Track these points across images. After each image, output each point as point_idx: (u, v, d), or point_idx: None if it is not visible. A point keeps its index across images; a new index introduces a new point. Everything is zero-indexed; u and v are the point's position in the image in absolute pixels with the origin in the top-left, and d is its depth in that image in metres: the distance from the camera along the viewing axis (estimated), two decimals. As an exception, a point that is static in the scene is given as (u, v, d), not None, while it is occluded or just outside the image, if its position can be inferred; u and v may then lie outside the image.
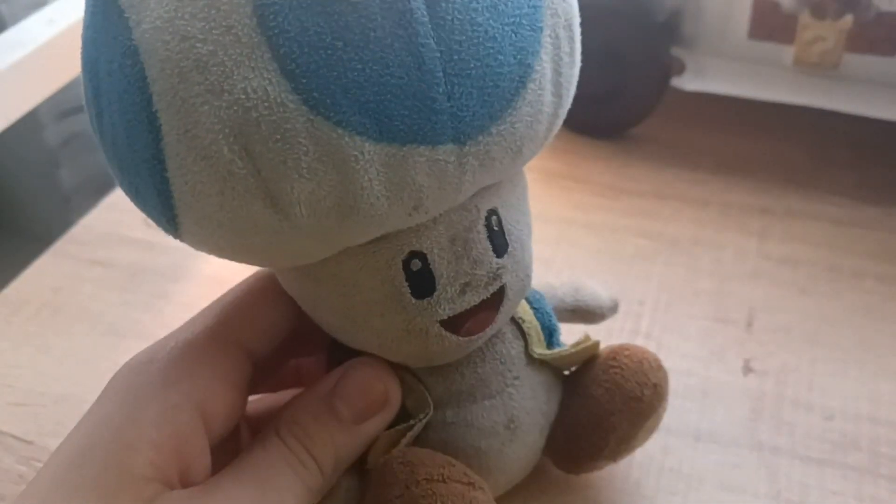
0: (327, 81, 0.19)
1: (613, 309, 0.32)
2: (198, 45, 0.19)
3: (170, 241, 0.24)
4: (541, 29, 0.21)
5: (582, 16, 0.24)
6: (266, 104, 0.19)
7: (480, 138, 0.21)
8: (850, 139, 0.49)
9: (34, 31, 0.47)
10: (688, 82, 0.47)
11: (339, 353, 0.27)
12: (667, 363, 0.30)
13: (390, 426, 0.26)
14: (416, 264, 0.23)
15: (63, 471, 0.22)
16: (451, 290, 0.24)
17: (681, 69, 0.47)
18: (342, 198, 0.20)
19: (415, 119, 0.20)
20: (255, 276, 0.28)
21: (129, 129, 0.20)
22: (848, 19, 0.43)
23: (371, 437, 0.26)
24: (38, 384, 0.37)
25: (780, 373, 0.36)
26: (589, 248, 0.43)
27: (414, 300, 0.24)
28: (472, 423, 0.27)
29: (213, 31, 0.19)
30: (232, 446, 0.28)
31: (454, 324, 0.24)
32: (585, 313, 0.31)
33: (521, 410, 0.28)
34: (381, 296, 0.24)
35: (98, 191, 0.51)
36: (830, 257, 0.41)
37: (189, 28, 0.19)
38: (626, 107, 0.49)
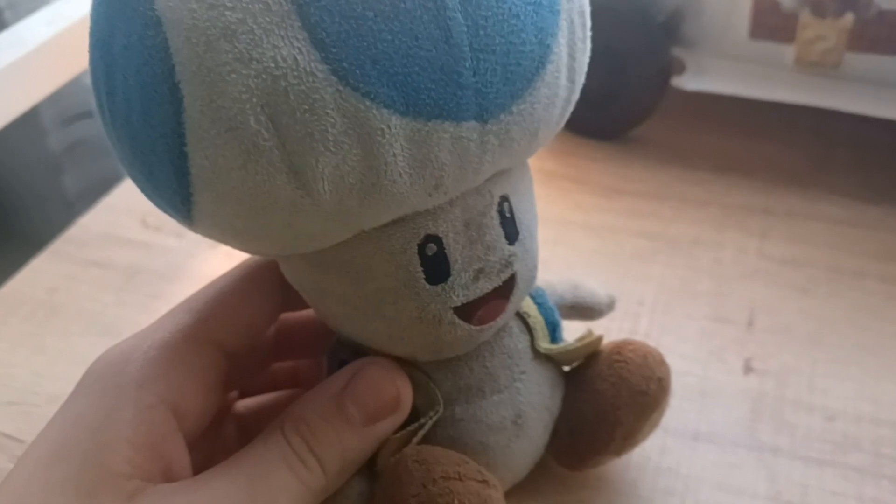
0: (357, 52, 0.19)
1: (611, 306, 0.32)
2: (226, 12, 0.18)
3: (166, 241, 0.23)
4: (559, 12, 0.22)
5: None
6: (295, 73, 0.19)
7: (502, 116, 0.21)
8: (851, 139, 0.49)
9: (34, 30, 0.47)
10: (688, 82, 0.46)
11: (341, 354, 0.27)
12: (665, 363, 0.30)
13: (400, 426, 0.26)
14: (432, 248, 0.23)
15: (40, 468, 0.22)
16: (465, 276, 0.24)
17: (681, 69, 0.47)
18: (365, 173, 0.20)
19: (441, 94, 0.20)
20: (237, 269, 0.27)
21: (147, 103, 0.20)
22: (849, 18, 0.42)
23: (380, 439, 0.25)
24: (32, 384, 0.37)
25: (781, 373, 0.35)
26: (588, 248, 0.43)
27: (428, 286, 0.24)
28: (481, 419, 0.27)
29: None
30: (216, 445, 0.28)
31: (467, 311, 0.24)
32: (584, 310, 0.32)
33: (527, 405, 0.27)
34: (394, 282, 0.23)
35: (100, 197, 0.51)
36: (831, 258, 0.41)
37: None
38: (626, 107, 0.49)
